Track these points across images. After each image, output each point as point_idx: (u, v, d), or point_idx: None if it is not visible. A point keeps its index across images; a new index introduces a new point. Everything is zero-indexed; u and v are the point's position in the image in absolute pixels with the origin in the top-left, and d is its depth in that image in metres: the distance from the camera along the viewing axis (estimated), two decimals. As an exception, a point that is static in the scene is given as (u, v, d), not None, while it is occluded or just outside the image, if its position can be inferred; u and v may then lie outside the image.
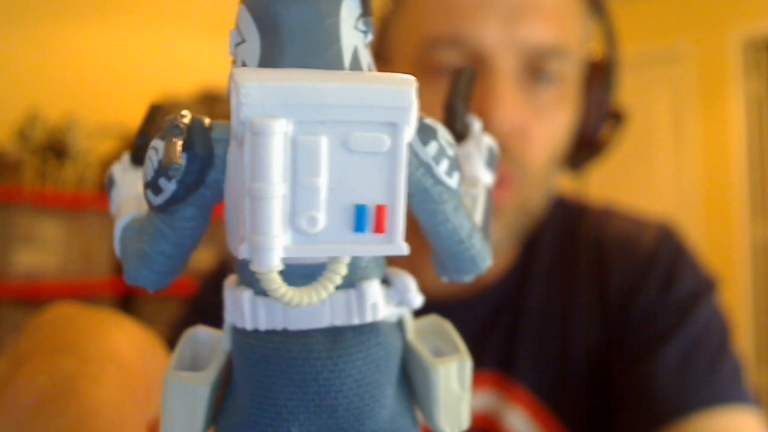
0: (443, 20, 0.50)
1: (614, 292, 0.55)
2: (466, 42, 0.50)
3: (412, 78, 0.16)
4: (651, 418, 0.49)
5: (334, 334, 0.18)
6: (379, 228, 0.16)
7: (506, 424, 0.54)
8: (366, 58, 0.18)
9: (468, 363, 0.19)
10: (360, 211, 0.16)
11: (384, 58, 0.55)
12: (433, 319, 0.21)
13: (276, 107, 0.15)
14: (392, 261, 0.20)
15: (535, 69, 0.50)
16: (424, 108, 0.17)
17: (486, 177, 0.22)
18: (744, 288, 2.84)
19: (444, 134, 0.18)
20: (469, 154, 0.22)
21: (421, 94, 0.16)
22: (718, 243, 2.83)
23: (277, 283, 0.15)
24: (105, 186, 0.23)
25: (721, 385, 0.49)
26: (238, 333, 0.18)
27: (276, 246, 0.15)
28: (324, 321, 0.17)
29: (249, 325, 0.17)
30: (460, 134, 0.22)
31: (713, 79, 2.96)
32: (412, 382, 0.20)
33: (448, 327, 0.21)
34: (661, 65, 3.10)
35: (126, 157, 0.23)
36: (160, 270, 0.18)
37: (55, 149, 2.04)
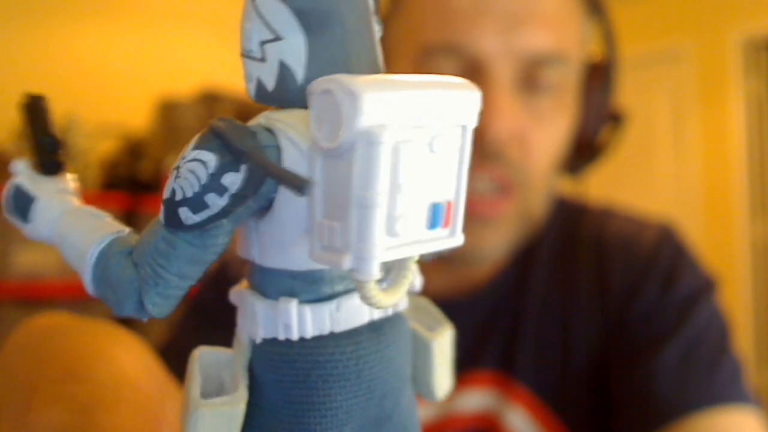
0: (440, 28, 0.50)
1: (614, 292, 0.55)
2: (463, 50, 0.49)
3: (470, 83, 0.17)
4: (651, 418, 0.49)
5: (375, 327, 0.18)
6: (446, 223, 0.17)
7: (506, 424, 0.54)
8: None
9: (450, 330, 0.21)
10: (436, 209, 0.16)
11: None
12: (411, 298, 0.22)
13: (385, 115, 0.15)
14: None
15: (533, 76, 0.50)
16: None
17: None
18: (744, 288, 2.84)
19: None
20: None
21: None
22: (718, 243, 2.83)
23: (375, 290, 0.15)
24: (10, 203, 0.20)
25: (720, 385, 0.49)
26: (274, 345, 0.17)
27: (378, 254, 0.15)
28: (365, 317, 0.18)
29: (296, 335, 0.17)
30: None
31: (713, 79, 2.96)
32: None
33: (424, 301, 0.22)
34: (661, 65, 3.10)
35: (24, 167, 0.21)
36: (175, 294, 0.17)
37: (55, 149, 2.03)
